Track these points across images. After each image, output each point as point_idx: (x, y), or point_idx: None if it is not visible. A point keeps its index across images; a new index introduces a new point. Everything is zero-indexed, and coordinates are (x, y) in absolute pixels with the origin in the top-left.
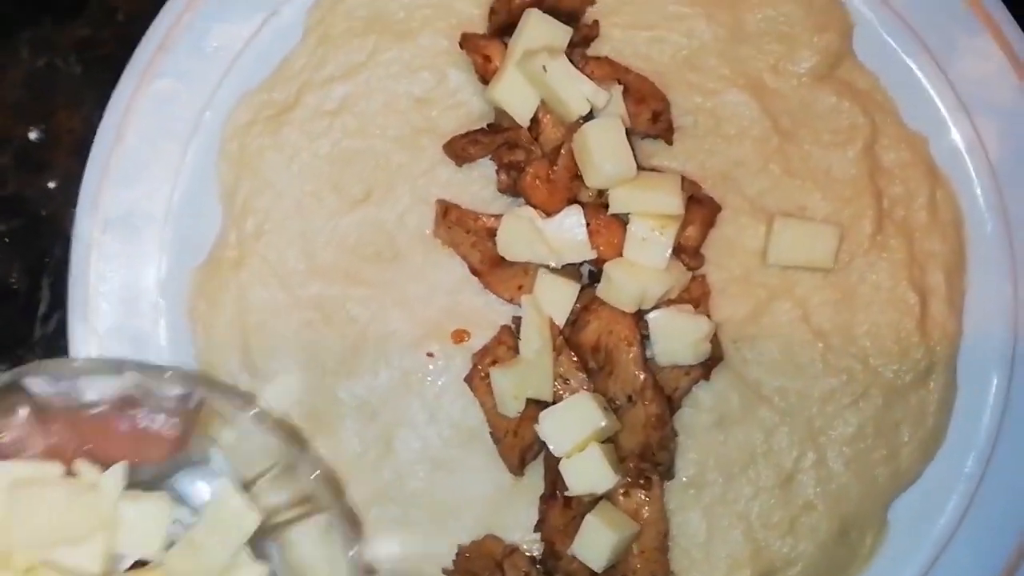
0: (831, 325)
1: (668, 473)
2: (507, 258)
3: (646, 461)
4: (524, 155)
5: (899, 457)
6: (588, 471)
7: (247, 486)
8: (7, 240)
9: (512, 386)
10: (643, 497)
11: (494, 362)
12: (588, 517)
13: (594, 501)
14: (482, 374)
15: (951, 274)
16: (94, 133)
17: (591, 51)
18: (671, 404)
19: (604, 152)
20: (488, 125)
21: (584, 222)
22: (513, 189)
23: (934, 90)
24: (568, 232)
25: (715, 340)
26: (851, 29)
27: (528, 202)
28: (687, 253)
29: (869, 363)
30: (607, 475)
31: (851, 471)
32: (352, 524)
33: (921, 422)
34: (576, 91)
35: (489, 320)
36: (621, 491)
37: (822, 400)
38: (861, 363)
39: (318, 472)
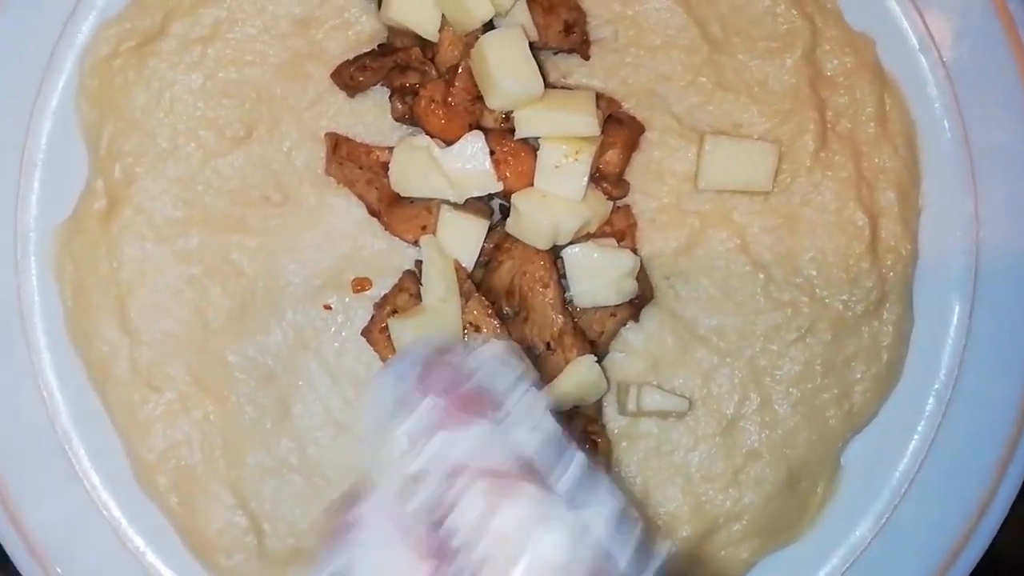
0: (772, 254)
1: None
2: (402, 194)
3: (593, 422)
4: (418, 77)
5: (851, 397)
6: None
7: None
8: None
9: (414, 337)
10: None
11: (394, 312)
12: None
13: None
14: (381, 326)
15: (904, 191)
16: None
17: None
18: (597, 349)
19: (505, 67)
20: (379, 46)
21: (488, 149)
22: (410, 117)
23: None
24: (469, 162)
25: (643, 276)
26: None
27: (424, 130)
28: (608, 181)
29: (816, 294)
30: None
31: (799, 414)
32: None
33: (875, 357)
34: None
35: (393, 266)
36: None
37: (765, 337)
38: (807, 295)
39: None
